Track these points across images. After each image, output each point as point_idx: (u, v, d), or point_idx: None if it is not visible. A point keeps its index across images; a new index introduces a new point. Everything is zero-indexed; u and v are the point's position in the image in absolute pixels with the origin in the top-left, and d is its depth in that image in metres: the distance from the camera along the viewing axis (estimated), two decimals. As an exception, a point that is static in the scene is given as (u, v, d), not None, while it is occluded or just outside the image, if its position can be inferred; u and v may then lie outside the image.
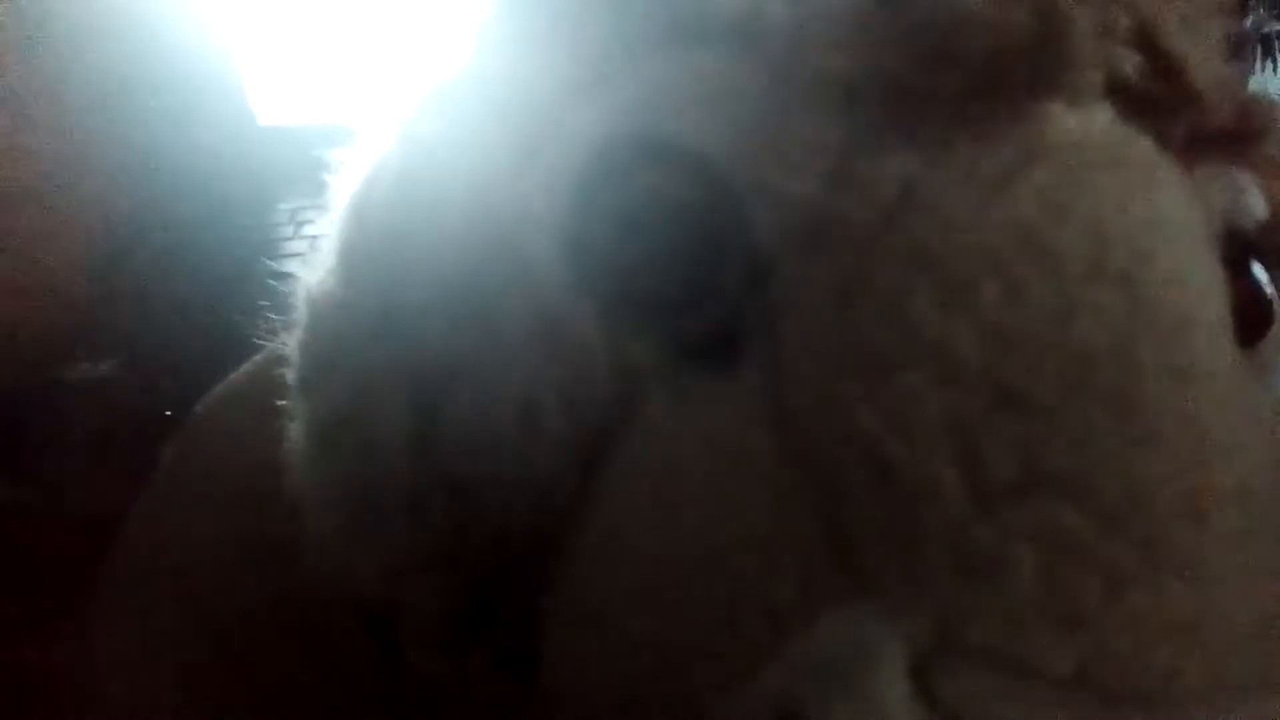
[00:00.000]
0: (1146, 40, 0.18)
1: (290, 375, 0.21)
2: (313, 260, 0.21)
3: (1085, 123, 0.17)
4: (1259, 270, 0.19)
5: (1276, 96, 0.74)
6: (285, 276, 0.23)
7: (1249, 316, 0.19)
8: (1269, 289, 0.19)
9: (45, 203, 0.48)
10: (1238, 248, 0.19)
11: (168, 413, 0.21)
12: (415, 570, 0.20)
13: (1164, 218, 0.17)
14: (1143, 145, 0.17)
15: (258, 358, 0.27)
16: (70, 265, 0.46)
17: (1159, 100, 0.18)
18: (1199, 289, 0.17)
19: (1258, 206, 0.19)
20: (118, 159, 0.50)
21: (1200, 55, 0.18)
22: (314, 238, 0.22)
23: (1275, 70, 0.87)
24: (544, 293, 0.18)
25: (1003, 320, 0.15)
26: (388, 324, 0.20)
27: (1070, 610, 0.14)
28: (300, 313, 0.21)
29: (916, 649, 0.14)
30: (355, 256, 0.21)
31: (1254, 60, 0.84)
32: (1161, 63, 0.18)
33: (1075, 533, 0.15)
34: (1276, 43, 0.90)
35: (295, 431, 0.21)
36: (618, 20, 0.19)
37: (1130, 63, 0.17)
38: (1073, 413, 0.15)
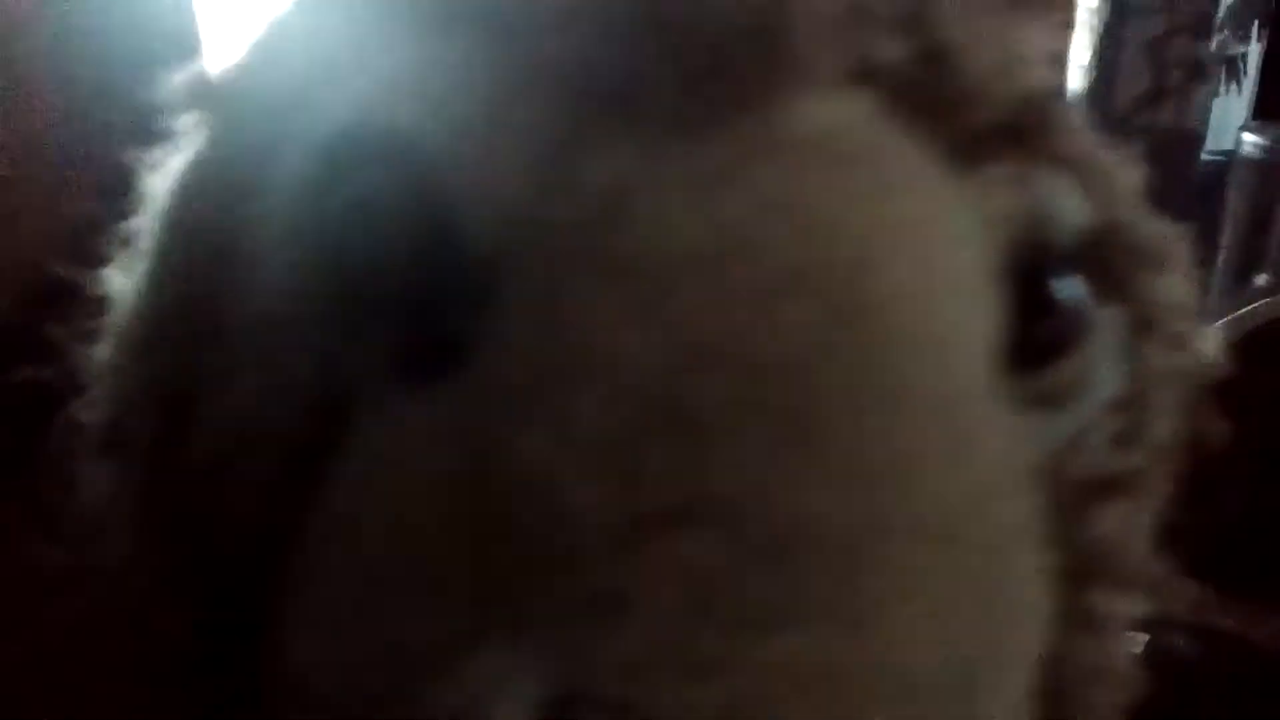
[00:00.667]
0: (916, 26, 0.16)
1: (95, 364, 0.21)
2: (125, 265, 0.21)
3: (828, 116, 0.15)
4: (1064, 285, 0.18)
5: (1238, 120, 0.76)
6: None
7: (1038, 338, 0.17)
8: (1074, 308, 0.18)
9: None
10: (1038, 259, 0.18)
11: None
12: (161, 585, 0.20)
13: (904, 223, 0.15)
14: (898, 142, 0.16)
15: None
16: (22, 258, 0.45)
17: (928, 92, 0.16)
18: (929, 304, 0.15)
19: (1074, 213, 0.18)
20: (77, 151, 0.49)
21: (977, 45, 0.17)
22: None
23: (1240, 92, 0.88)
24: (268, 295, 0.17)
25: (689, 333, 0.14)
26: (147, 329, 0.20)
27: (703, 657, 0.13)
28: (109, 320, 0.21)
29: (546, 695, 0.13)
30: (152, 246, 0.21)
31: (1219, 81, 0.85)
32: (932, 51, 0.16)
33: (720, 570, 0.13)
34: (1241, 64, 0.91)
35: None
36: (354, 10, 0.18)
37: (892, 50, 0.16)
38: (741, 435, 0.14)
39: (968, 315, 0.16)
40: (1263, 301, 0.60)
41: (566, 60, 0.16)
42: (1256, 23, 0.82)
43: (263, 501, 0.18)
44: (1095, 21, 0.82)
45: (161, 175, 0.21)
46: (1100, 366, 0.19)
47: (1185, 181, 0.84)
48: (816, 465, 0.14)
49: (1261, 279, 0.60)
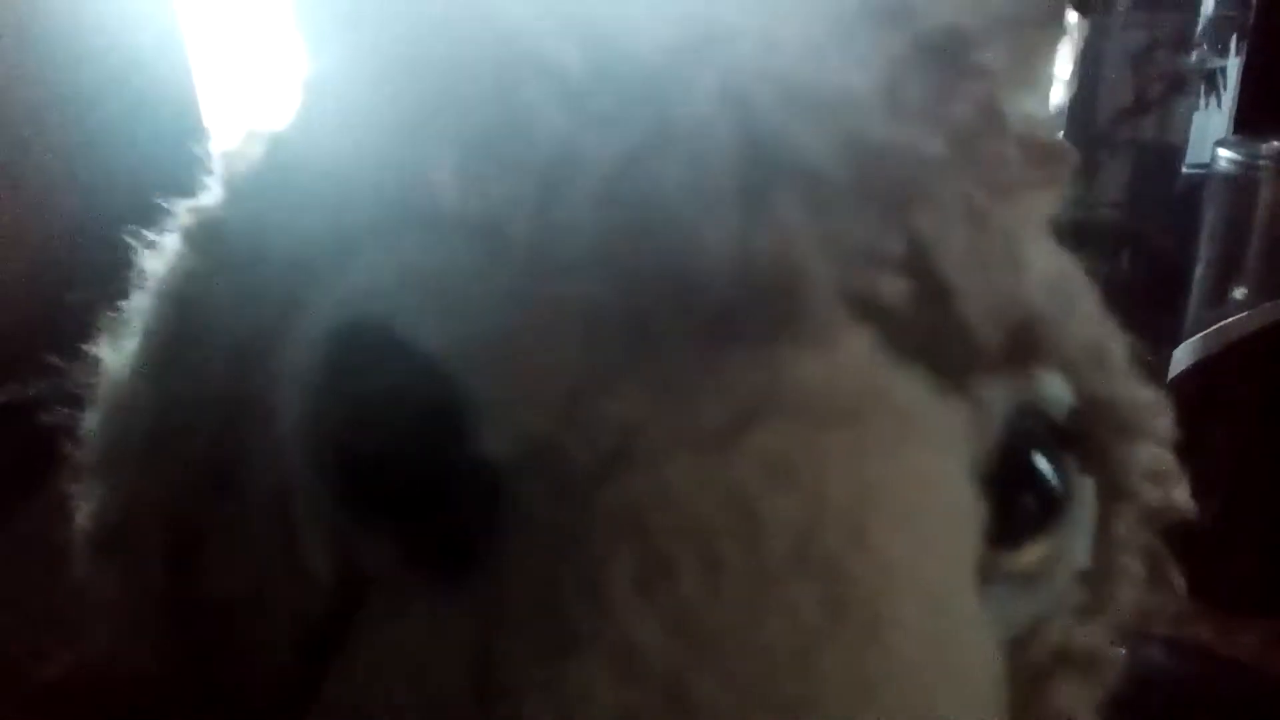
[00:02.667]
0: (919, 265, 0.16)
1: (85, 456, 0.21)
2: (119, 339, 0.21)
3: (832, 366, 0.15)
4: (1043, 464, 0.18)
5: (1217, 133, 0.76)
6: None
7: (1020, 517, 0.18)
8: (1053, 483, 0.18)
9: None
10: (1021, 439, 0.18)
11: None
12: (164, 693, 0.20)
13: (901, 479, 0.15)
14: (899, 384, 0.16)
15: None
16: (12, 280, 0.45)
17: (927, 327, 0.16)
18: (927, 578, 0.15)
19: (1060, 398, 0.18)
20: (61, 171, 0.49)
21: (979, 282, 0.17)
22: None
23: (1220, 106, 0.88)
24: (283, 478, 0.17)
25: (693, 612, 0.14)
26: (156, 445, 0.19)
27: None
28: (100, 394, 0.21)
29: None
30: (143, 366, 0.20)
31: (1198, 96, 0.85)
32: (933, 291, 0.16)
33: None
34: (1220, 79, 0.91)
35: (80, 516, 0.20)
36: (371, 186, 0.17)
37: (895, 291, 0.16)
38: None
39: (961, 555, 0.16)
40: (1241, 315, 0.61)
41: (587, 300, 0.16)
42: (1235, 36, 0.83)
43: (273, 664, 0.18)
44: (1076, 35, 0.83)
45: (157, 258, 0.21)
46: (1074, 541, 0.19)
47: (1167, 194, 0.84)
48: None
49: (1239, 292, 0.61)
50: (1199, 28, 0.92)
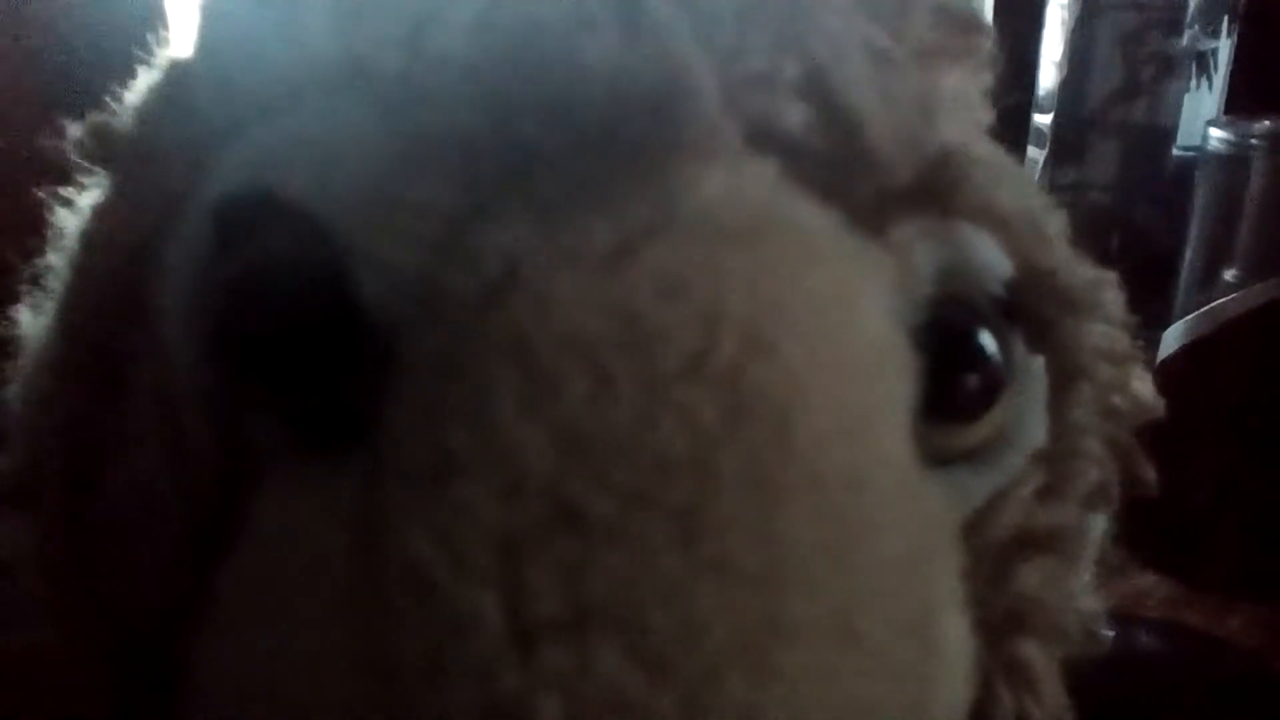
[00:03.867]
0: (818, 90, 0.16)
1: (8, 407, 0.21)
2: (38, 302, 0.21)
3: (729, 187, 0.15)
4: (985, 337, 0.17)
5: (1208, 115, 0.76)
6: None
7: (961, 391, 0.17)
8: (997, 359, 0.17)
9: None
10: (960, 312, 0.17)
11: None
12: (76, 645, 0.19)
13: (806, 301, 0.15)
14: (803, 211, 0.16)
15: None
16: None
17: (833, 157, 0.16)
18: (833, 384, 0.15)
19: (995, 264, 0.18)
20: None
21: (882, 107, 0.16)
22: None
23: (1210, 88, 0.88)
24: (168, 365, 0.17)
25: (579, 424, 0.13)
26: (54, 376, 0.19)
27: None
28: (20, 360, 0.21)
29: None
30: (59, 291, 0.20)
31: (1188, 78, 0.85)
32: (834, 116, 0.16)
33: (614, 680, 0.13)
34: (1211, 60, 0.91)
35: None
36: (255, 66, 0.17)
37: (794, 116, 0.16)
38: (633, 534, 0.13)
39: (877, 387, 0.15)
40: (1231, 296, 0.60)
41: (462, 132, 0.15)
42: (1226, 18, 0.83)
43: (167, 567, 0.17)
44: (1067, 17, 0.82)
45: (73, 213, 0.21)
46: (1025, 419, 0.19)
47: (1158, 176, 0.84)
48: (708, 567, 0.13)
49: (1230, 274, 0.60)
50: (1190, 9, 0.92)
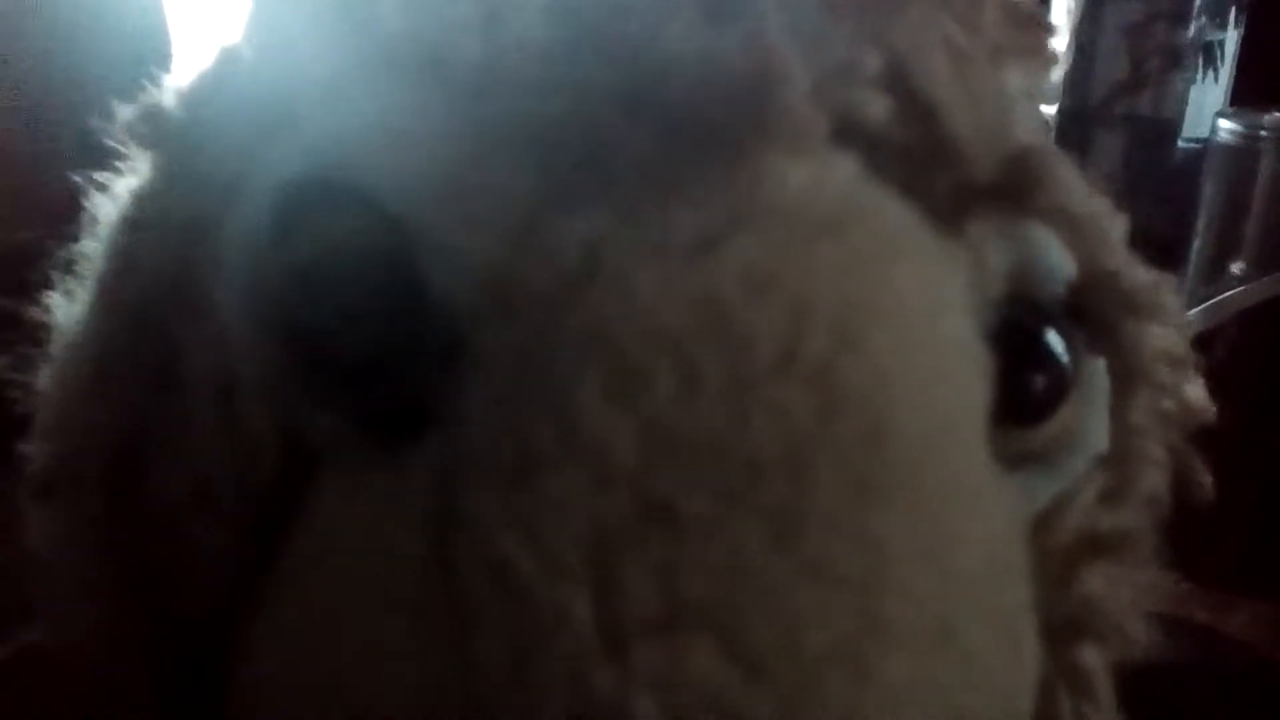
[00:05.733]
0: (900, 83, 0.16)
1: (38, 395, 0.20)
2: (72, 287, 0.20)
3: (815, 179, 0.15)
4: (1052, 339, 0.17)
5: (1214, 107, 0.75)
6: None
7: (1027, 393, 0.17)
8: (1063, 361, 0.17)
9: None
10: (1028, 313, 0.17)
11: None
12: (119, 641, 0.19)
13: (892, 296, 0.14)
14: (888, 206, 0.15)
15: None
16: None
17: (915, 151, 0.16)
18: (921, 383, 0.14)
19: (1061, 265, 0.17)
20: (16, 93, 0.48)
21: (964, 102, 0.16)
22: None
23: (1216, 79, 0.87)
24: (225, 355, 0.16)
25: (669, 419, 0.13)
26: (99, 367, 0.19)
27: None
28: (52, 346, 0.20)
29: None
30: (91, 299, 0.20)
31: (1195, 69, 0.84)
32: (917, 110, 0.16)
33: (710, 680, 0.12)
34: (1218, 51, 0.91)
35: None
36: (317, 50, 0.17)
37: (877, 108, 0.15)
38: (729, 534, 0.13)
39: (961, 387, 0.15)
40: (1238, 289, 0.60)
41: (540, 118, 0.15)
42: (1233, 9, 0.82)
43: (222, 563, 0.17)
44: (1073, 7, 0.82)
45: (109, 199, 0.20)
46: (1090, 422, 0.18)
47: (1163, 169, 0.84)
48: (805, 568, 0.13)
49: (1237, 266, 0.60)
50: (1196, 1, 0.92)
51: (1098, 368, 0.19)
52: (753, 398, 0.13)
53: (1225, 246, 0.63)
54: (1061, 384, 0.17)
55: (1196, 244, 0.65)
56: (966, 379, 0.15)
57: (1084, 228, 0.18)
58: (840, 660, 0.13)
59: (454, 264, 0.15)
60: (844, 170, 0.15)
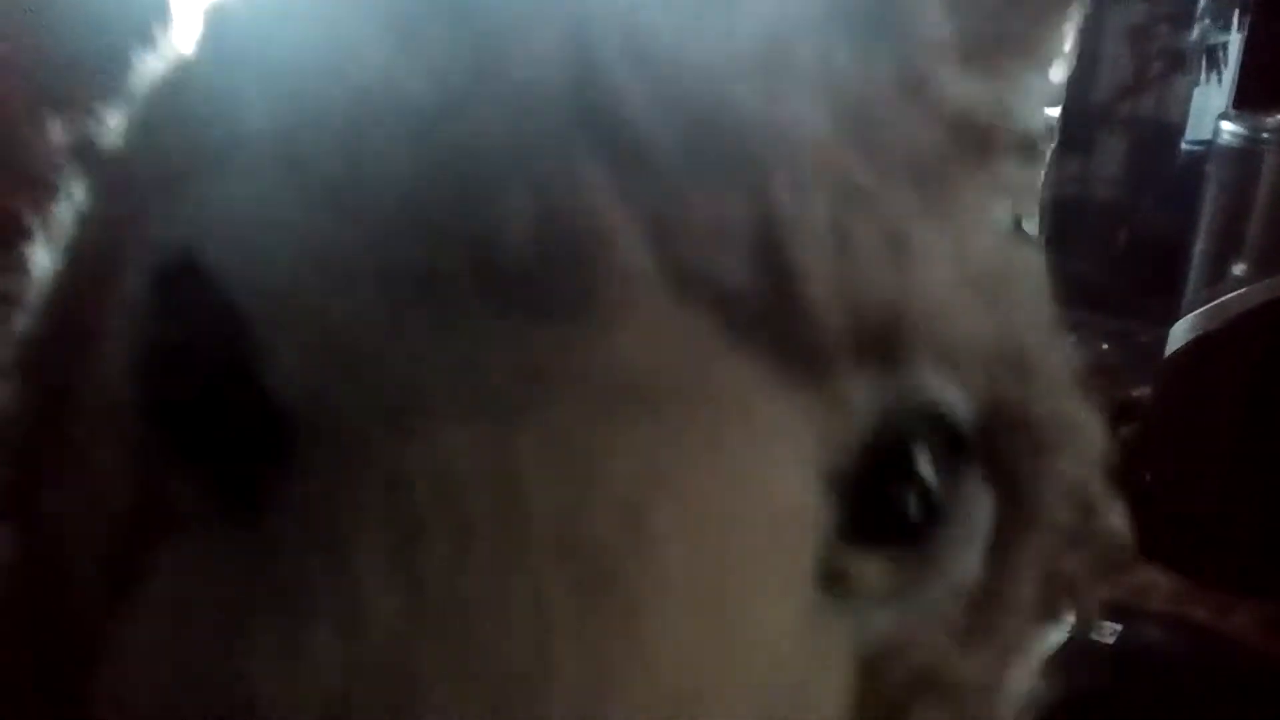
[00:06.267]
0: (764, 240, 0.15)
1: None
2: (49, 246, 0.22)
3: (646, 342, 0.14)
4: (924, 467, 0.17)
5: (1217, 110, 0.75)
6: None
7: (891, 518, 0.17)
8: (932, 489, 0.17)
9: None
10: (900, 443, 0.16)
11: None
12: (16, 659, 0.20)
13: (698, 475, 0.14)
14: (725, 368, 0.15)
15: None
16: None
17: (769, 310, 0.15)
18: (706, 563, 0.14)
19: (948, 402, 0.17)
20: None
21: (830, 269, 0.15)
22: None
23: (1220, 82, 0.88)
24: (104, 402, 0.17)
25: (434, 586, 0.13)
26: (25, 358, 0.20)
27: None
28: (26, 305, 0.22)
29: None
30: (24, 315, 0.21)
31: (1199, 72, 0.85)
32: (776, 270, 0.15)
33: None
34: (1221, 54, 0.91)
35: None
36: (207, 117, 0.17)
37: (730, 269, 0.15)
38: (459, 712, 0.13)
39: (764, 562, 0.15)
40: (1240, 291, 0.60)
41: (386, 250, 0.15)
42: (1237, 12, 0.82)
43: (83, 589, 0.18)
44: (1075, 10, 0.82)
45: (49, 230, 0.21)
46: (957, 554, 0.18)
47: (1166, 171, 0.84)
48: None
49: (1239, 268, 0.60)
50: (1200, 3, 0.92)
51: (983, 502, 0.18)
52: (516, 568, 0.13)
53: (1228, 249, 0.63)
54: (929, 512, 0.17)
55: (1199, 246, 0.65)
56: (785, 552, 0.15)
57: (990, 364, 0.18)
58: None
59: (285, 371, 0.15)
60: (684, 331, 0.15)
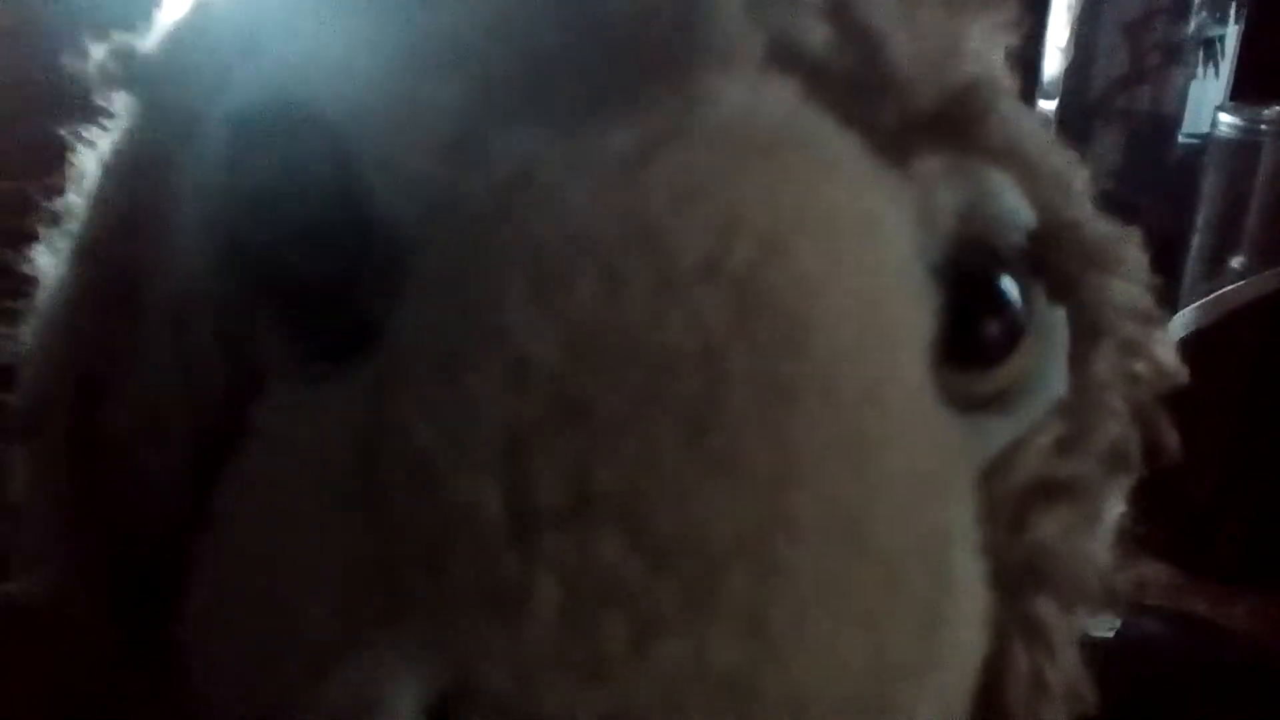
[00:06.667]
0: (842, 11, 0.16)
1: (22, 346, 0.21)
2: (54, 240, 0.21)
3: (749, 99, 0.15)
4: (1006, 284, 0.17)
5: (1214, 102, 0.75)
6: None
7: (982, 338, 0.17)
8: (1019, 308, 0.17)
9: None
10: (981, 257, 0.17)
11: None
12: (81, 578, 0.19)
13: (821, 214, 0.15)
14: (824, 130, 0.15)
15: None
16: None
17: (855, 80, 0.16)
18: (845, 296, 0.14)
19: (1017, 211, 0.17)
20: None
21: (906, 32, 0.16)
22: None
23: (1217, 75, 0.88)
24: (179, 281, 0.17)
25: (589, 321, 0.13)
26: (67, 303, 0.19)
27: (593, 658, 0.12)
28: (37, 287, 0.21)
29: (435, 694, 0.12)
30: (78, 225, 0.20)
31: (1195, 64, 0.85)
32: (857, 38, 0.16)
33: (612, 567, 0.13)
34: (1218, 46, 0.91)
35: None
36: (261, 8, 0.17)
37: (815, 35, 0.16)
38: (640, 428, 0.13)
39: (893, 306, 0.15)
40: (1238, 283, 0.60)
41: (476, 35, 0.15)
42: (1233, 4, 0.82)
43: (172, 486, 0.17)
44: (1073, 2, 0.82)
45: (93, 152, 0.21)
46: (1046, 369, 0.18)
47: (1163, 164, 0.84)
48: (716, 463, 0.13)
49: (1237, 261, 0.60)
50: (1197, -5, 0.92)
51: (1057, 317, 0.19)
52: (671, 300, 0.13)
53: (1225, 241, 0.63)
54: (1015, 330, 0.17)
55: (1197, 239, 0.65)
56: (902, 299, 0.15)
57: (1042, 176, 0.18)
58: (744, 554, 0.13)
59: (393, 180, 0.15)
60: (780, 93, 0.15)
